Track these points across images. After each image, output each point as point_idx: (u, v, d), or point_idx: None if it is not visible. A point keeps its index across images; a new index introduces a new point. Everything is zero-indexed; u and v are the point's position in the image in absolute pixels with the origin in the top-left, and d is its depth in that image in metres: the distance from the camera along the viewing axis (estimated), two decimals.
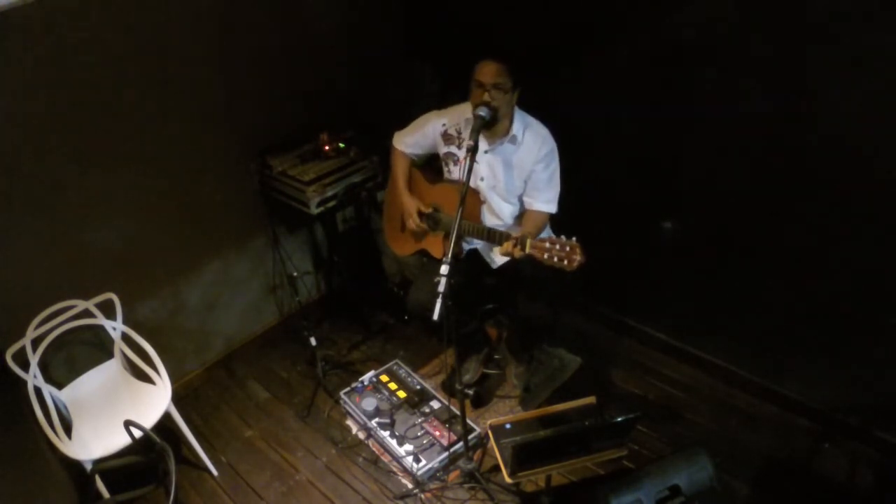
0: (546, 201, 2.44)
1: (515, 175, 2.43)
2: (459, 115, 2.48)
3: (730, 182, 2.52)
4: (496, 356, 3.09)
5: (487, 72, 2.25)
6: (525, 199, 2.49)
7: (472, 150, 2.16)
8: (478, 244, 2.59)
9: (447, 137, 2.52)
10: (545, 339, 3.06)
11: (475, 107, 2.28)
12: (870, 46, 2.00)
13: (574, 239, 2.01)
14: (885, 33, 1.96)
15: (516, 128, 2.38)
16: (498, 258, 2.53)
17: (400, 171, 2.67)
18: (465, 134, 2.46)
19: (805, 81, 2.18)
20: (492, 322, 3.08)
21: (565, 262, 2.01)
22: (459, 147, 2.49)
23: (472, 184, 2.47)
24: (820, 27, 2.07)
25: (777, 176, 2.38)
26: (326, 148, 3.10)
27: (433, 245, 2.63)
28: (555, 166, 2.43)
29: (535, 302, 2.51)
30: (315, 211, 2.92)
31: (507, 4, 2.89)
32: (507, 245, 2.15)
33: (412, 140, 2.63)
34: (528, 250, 2.09)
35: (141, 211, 2.75)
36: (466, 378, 2.88)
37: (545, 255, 2.04)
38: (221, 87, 2.84)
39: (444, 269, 1.93)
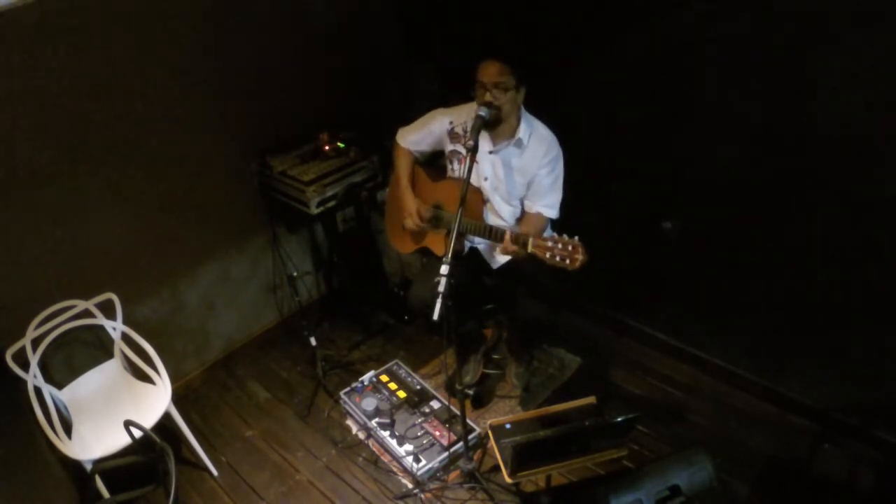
0: (547, 205, 2.44)
1: (518, 178, 2.43)
2: (466, 114, 2.48)
3: (730, 182, 2.52)
4: (496, 356, 3.09)
5: (489, 71, 2.25)
6: (526, 201, 2.49)
7: (472, 150, 2.17)
8: (479, 243, 2.60)
9: (453, 136, 2.52)
10: (545, 339, 3.06)
11: (478, 107, 2.28)
12: (870, 45, 2.00)
13: (576, 238, 2.01)
14: (885, 33, 1.96)
15: (522, 131, 2.37)
16: (500, 257, 2.53)
17: (403, 168, 2.67)
18: None
19: (805, 81, 2.18)
20: (491, 322, 3.08)
21: (567, 261, 2.00)
22: (464, 146, 2.49)
23: (475, 183, 2.48)
24: (820, 26, 2.07)
25: (777, 176, 2.38)
26: (326, 148, 3.10)
27: (435, 243, 2.63)
28: (559, 172, 2.42)
29: (535, 302, 2.51)
30: (315, 211, 2.92)
31: (505, 4, 2.89)
32: (507, 241, 2.14)
33: (417, 137, 2.63)
34: (530, 249, 2.08)
35: (141, 211, 2.75)
36: (467, 379, 2.88)
37: (547, 255, 2.04)
38: (221, 88, 2.84)
39: (444, 269, 1.94)
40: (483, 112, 2.24)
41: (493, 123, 2.32)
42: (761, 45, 2.22)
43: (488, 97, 2.25)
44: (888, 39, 1.96)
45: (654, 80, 2.57)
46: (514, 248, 2.14)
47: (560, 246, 2.02)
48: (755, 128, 2.37)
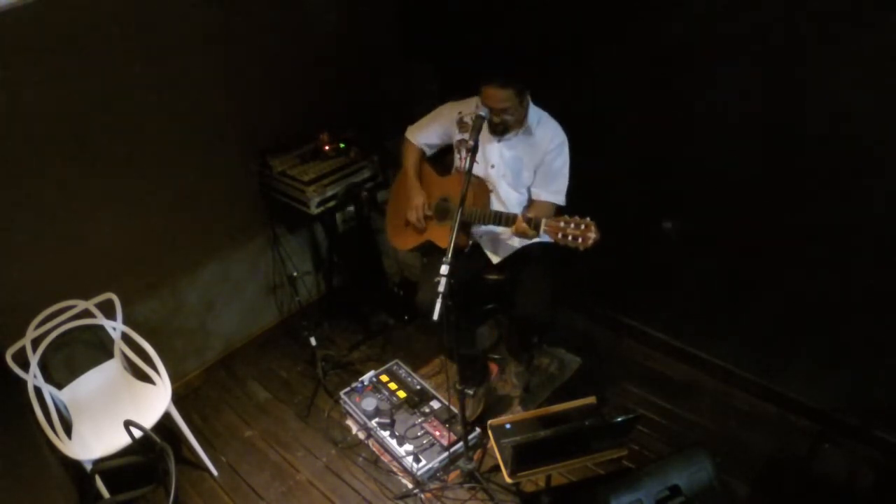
0: (555, 192, 2.46)
1: (526, 164, 2.45)
2: (475, 105, 2.49)
3: (730, 182, 2.51)
4: (496, 356, 3.09)
5: (493, 98, 2.27)
6: (533, 189, 2.51)
7: (472, 150, 2.18)
8: (482, 235, 2.59)
9: (462, 125, 2.54)
10: (544, 338, 3.06)
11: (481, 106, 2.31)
12: (871, 45, 2.00)
13: (588, 218, 2.02)
14: (884, 33, 1.96)
15: (531, 119, 2.41)
16: (510, 242, 2.54)
17: (411, 163, 2.68)
18: None
19: (805, 81, 2.18)
20: (497, 357, 3.06)
21: (580, 240, 2.01)
22: (468, 140, 2.50)
23: (482, 171, 2.50)
24: (820, 26, 2.07)
25: (777, 176, 2.38)
26: (326, 148, 3.10)
27: (440, 236, 2.62)
28: (565, 158, 2.45)
29: (534, 300, 2.51)
30: (315, 211, 2.92)
31: (506, 4, 2.89)
32: (520, 223, 2.15)
33: (428, 131, 2.65)
34: (542, 230, 2.09)
35: (141, 211, 2.75)
36: (468, 414, 2.70)
37: (559, 235, 2.04)
38: (222, 88, 2.84)
39: (443, 269, 1.94)
40: (483, 112, 2.25)
41: (501, 132, 2.37)
42: (761, 45, 2.22)
43: (496, 119, 2.30)
44: (888, 39, 1.96)
45: (654, 80, 2.57)
46: (525, 226, 2.15)
47: (572, 225, 2.02)
48: (755, 128, 2.36)
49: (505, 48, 2.32)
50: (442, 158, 2.75)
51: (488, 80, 2.27)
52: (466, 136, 2.53)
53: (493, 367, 3.02)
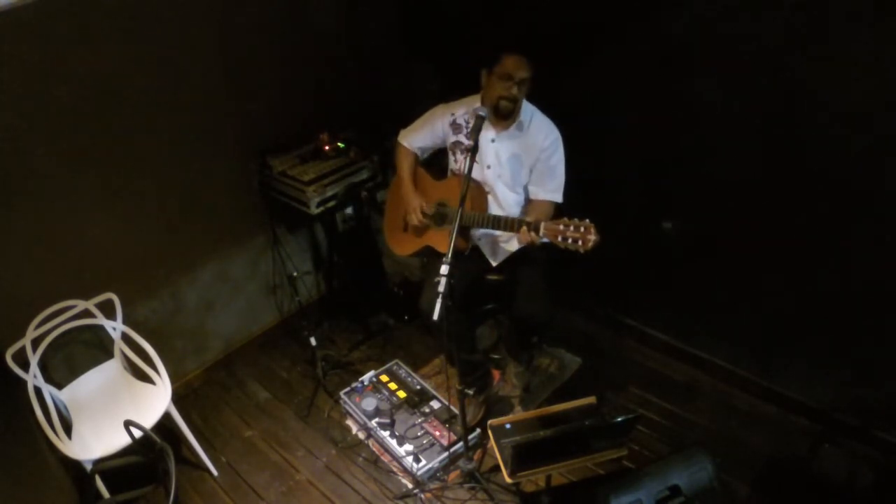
0: (552, 190, 2.46)
1: (522, 161, 2.45)
2: (469, 106, 2.50)
3: (730, 183, 2.52)
4: (496, 356, 3.09)
5: (519, 66, 2.27)
6: (530, 188, 2.50)
7: (472, 150, 2.18)
8: (481, 238, 2.59)
9: (455, 127, 2.54)
10: (544, 338, 3.06)
11: (498, 99, 2.31)
12: (870, 45, 2.00)
13: (587, 220, 2.02)
14: (884, 33, 1.96)
15: (524, 115, 2.41)
16: (507, 246, 2.55)
17: (405, 168, 2.67)
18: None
19: (805, 80, 2.18)
20: (496, 360, 3.06)
21: (580, 242, 2.01)
22: (468, 137, 2.50)
23: (479, 173, 2.50)
24: (820, 26, 2.07)
25: (777, 176, 2.38)
26: (326, 148, 3.11)
27: (439, 241, 2.62)
28: (560, 155, 2.44)
29: (532, 300, 2.51)
30: (315, 211, 2.92)
31: (506, 4, 2.89)
32: (525, 233, 2.15)
33: (420, 135, 2.64)
34: (541, 233, 2.09)
35: (141, 211, 2.75)
36: (468, 419, 2.70)
37: (559, 238, 2.05)
38: (222, 88, 2.84)
39: (443, 269, 1.94)
40: (483, 112, 2.25)
41: (507, 114, 2.35)
42: (761, 45, 2.22)
43: (515, 91, 2.28)
44: (887, 39, 1.96)
45: (654, 80, 2.57)
46: (532, 236, 2.15)
47: (572, 228, 2.03)
48: (755, 128, 2.36)
49: (505, 48, 2.32)
50: (437, 163, 2.75)
51: (513, 49, 2.28)
52: (461, 137, 2.52)
53: (496, 374, 3.03)
